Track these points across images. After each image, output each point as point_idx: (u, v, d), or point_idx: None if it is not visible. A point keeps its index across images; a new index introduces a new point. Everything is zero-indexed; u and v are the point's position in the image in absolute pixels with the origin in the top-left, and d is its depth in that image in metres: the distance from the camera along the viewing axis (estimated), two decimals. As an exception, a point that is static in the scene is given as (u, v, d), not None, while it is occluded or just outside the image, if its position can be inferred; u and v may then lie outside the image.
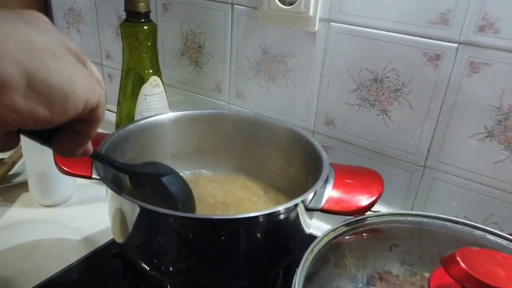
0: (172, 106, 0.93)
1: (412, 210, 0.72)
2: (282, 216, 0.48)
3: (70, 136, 0.32)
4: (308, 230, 0.56)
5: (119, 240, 0.53)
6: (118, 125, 0.85)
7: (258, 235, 0.49)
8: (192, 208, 0.55)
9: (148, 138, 0.66)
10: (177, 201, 0.52)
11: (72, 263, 0.63)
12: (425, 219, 0.55)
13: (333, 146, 0.77)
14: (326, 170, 0.55)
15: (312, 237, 0.48)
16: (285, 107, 0.80)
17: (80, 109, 0.28)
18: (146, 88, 0.80)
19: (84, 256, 0.64)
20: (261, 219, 0.47)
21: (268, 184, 0.71)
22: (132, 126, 0.63)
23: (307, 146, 0.64)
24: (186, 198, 0.55)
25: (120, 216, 0.49)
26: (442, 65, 0.62)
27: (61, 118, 0.27)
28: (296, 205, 0.49)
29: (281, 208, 0.47)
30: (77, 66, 0.29)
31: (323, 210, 0.52)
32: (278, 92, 0.80)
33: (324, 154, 0.59)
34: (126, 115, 0.83)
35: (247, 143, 0.72)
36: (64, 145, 0.32)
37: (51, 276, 0.60)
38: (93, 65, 0.32)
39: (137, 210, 0.45)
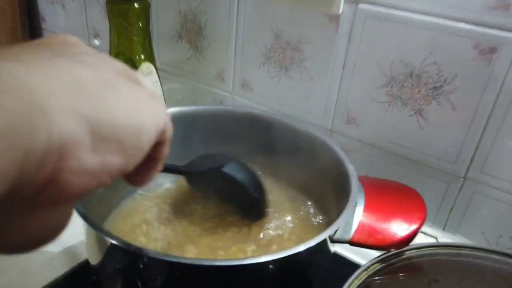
0: (167, 96, 0.81)
1: (445, 226, 0.62)
2: (303, 254, 0.38)
3: (143, 165, 0.27)
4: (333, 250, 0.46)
5: (93, 263, 0.44)
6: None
7: (272, 277, 0.39)
8: (263, 193, 0.52)
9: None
10: (247, 188, 0.49)
11: (51, 282, 0.53)
12: (472, 252, 0.45)
13: (354, 148, 0.66)
14: (355, 191, 0.44)
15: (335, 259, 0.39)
16: (299, 102, 0.69)
17: (153, 139, 0.25)
18: (137, 77, 0.69)
19: (63, 274, 0.55)
20: (276, 264, 0.37)
21: (284, 192, 0.61)
22: None
23: (328, 154, 0.53)
24: (255, 183, 0.51)
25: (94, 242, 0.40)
26: (497, 60, 0.50)
27: (138, 158, 0.24)
28: (321, 243, 0.39)
29: (302, 248, 0.37)
30: (134, 89, 0.24)
31: (352, 243, 0.42)
32: (291, 84, 0.69)
33: (351, 168, 0.48)
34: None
35: (255, 146, 0.61)
36: (139, 176, 0.29)
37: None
38: (143, 77, 0.27)
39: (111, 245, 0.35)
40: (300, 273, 0.42)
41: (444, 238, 0.62)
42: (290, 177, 0.60)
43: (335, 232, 0.41)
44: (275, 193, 0.59)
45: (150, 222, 0.52)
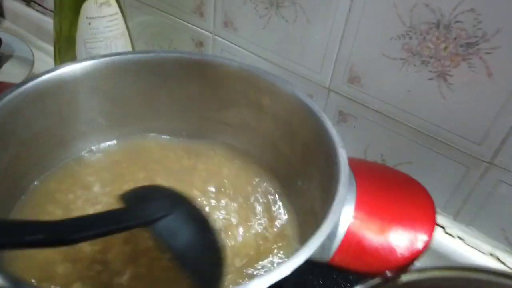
0: (138, 32, 0.67)
1: (457, 216, 0.51)
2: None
3: None
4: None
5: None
6: (56, 47, 0.60)
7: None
8: (214, 269, 0.30)
9: (69, 95, 0.43)
10: (182, 263, 0.29)
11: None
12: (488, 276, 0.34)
13: (355, 113, 0.53)
14: (343, 191, 0.33)
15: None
16: (292, 49, 0.55)
17: None
18: (89, 8, 0.54)
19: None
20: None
21: (256, 162, 0.49)
22: (42, 79, 0.40)
23: (317, 128, 0.41)
24: (200, 258, 0.30)
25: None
26: None
27: None
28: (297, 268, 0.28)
29: (275, 275, 0.26)
30: None
31: (332, 266, 0.31)
32: (282, 25, 0.54)
33: (342, 153, 0.36)
34: (66, 36, 0.58)
35: (228, 106, 0.49)
36: None
37: None
38: None
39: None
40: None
41: (454, 228, 0.51)
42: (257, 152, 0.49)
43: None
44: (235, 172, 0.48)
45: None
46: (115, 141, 0.49)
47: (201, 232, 0.31)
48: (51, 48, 0.70)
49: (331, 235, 0.31)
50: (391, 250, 0.31)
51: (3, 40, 0.80)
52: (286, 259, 0.28)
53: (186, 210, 0.31)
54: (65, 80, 0.42)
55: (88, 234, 0.25)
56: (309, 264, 0.29)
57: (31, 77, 0.39)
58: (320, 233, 0.29)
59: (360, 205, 0.34)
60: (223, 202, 0.44)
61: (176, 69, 0.47)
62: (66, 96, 0.43)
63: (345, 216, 0.33)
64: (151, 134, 0.50)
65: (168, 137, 0.51)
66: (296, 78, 0.56)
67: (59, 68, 0.41)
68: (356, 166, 0.38)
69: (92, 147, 0.47)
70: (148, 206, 0.30)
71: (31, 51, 0.79)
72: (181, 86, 0.48)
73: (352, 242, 0.31)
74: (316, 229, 0.29)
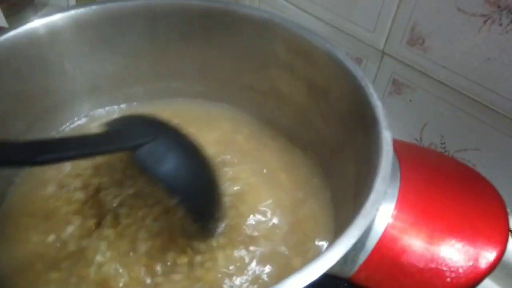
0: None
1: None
2: None
3: None
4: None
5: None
6: None
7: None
8: (210, 197, 0.30)
9: (67, 46, 0.37)
10: (171, 190, 0.28)
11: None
12: None
13: (413, 83, 0.43)
14: (379, 191, 0.24)
15: None
16: (343, 3, 0.45)
17: None
18: None
19: None
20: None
21: (282, 133, 0.42)
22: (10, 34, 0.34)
23: (358, 100, 0.32)
24: (194, 179, 0.29)
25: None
26: None
27: None
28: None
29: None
30: None
31: (355, 282, 0.24)
32: (332, -28, 0.45)
33: (386, 136, 0.28)
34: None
35: (255, 67, 0.41)
36: None
37: None
38: None
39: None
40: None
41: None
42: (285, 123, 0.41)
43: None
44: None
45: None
46: (123, 105, 0.43)
47: (190, 159, 0.29)
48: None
49: (358, 244, 0.24)
50: (439, 271, 0.23)
51: (40, -13, 0.76)
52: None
53: (172, 137, 0.29)
54: (62, 27, 0.36)
55: (60, 156, 0.23)
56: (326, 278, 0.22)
57: (23, 22, 0.34)
58: (343, 241, 0.21)
59: (403, 205, 0.25)
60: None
61: (194, 20, 0.39)
62: (63, 46, 0.37)
63: (380, 219, 0.25)
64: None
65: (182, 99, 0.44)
66: (345, 38, 0.47)
67: (55, 13, 0.35)
68: (404, 152, 0.29)
69: (90, 113, 0.42)
70: (129, 132, 0.28)
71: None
72: (199, 41, 0.41)
73: (385, 255, 0.23)
74: (339, 235, 0.22)
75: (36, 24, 0.34)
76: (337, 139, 0.36)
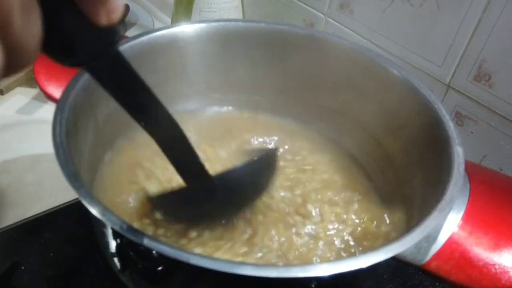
0: (248, 8, 0.67)
1: None
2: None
3: None
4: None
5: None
6: (174, 14, 0.62)
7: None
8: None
9: (178, 54, 0.43)
10: None
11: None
12: None
13: (476, 116, 0.47)
14: (455, 188, 0.28)
15: None
16: (412, 38, 0.50)
17: None
18: (209, -22, 0.55)
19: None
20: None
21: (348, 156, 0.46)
22: (156, 34, 0.41)
23: (430, 121, 0.36)
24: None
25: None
26: None
27: None
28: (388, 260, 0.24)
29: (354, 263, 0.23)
30: None
31: (425, 271, 0.27)
32: (406, 10, 0.49)
33: (459, 151, 0.31)
34: (184, 4, 0.60)
35: (329, 87, 0.45)
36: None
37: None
38: None
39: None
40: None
41: None
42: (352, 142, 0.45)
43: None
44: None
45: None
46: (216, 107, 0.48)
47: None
48: (169, 20, 0.73)
49: (431, 238, 0.27)
50: (505, 270, 0.26)
51: (130, 8, 0.86)
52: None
53: None
54: (177, 38, 0.43)
55: None
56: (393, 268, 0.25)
57: (145, 32, 0.41)
58: (419, 230, 0.25)
59: (472, 212, 0.29)
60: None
61: (283, 42, 0.45)
62: (175, 54, 0.43)
63: (451, 220, 0.28)
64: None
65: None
66: (412, 71, 0.51)
67: (172, 26, 0.42)
68: (472, 170, 0.32)
69: (191, 108, 0.48)
70: None
71: (153, 21, 0.84)
72: (285, 61, 0.46)
73: (455, 250, 0.27)
74: (414, 226, 0.25)
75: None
76: (404, 156, 0.39)
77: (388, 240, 0.35)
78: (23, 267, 0.39)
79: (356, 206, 0.39)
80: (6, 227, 0.43)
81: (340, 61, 0.43)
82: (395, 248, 0.23)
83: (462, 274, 0.26)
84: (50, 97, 0.37)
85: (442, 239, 0.27)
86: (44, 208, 0.45)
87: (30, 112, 0.59)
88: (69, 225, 0.44)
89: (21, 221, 0.44)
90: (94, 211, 0.24)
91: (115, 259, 0.31)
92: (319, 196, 0.39)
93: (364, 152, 0.45)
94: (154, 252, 0.25)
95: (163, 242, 0.23)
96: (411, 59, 0.51)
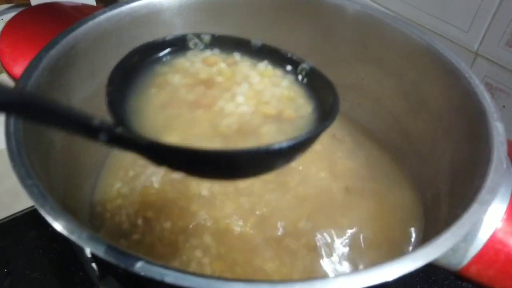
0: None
1: None
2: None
3: None
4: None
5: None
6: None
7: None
8: None
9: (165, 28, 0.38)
10: None
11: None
12: None
13: (508, 88, 0.41)
14: (495, 180, 0.22)
15: None
16: (434, 1, 0.44)
17: None
18: None
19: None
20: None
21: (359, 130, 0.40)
22: (122, 9, 0.35)
23: (460, 93, 0.30)
24: None
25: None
26: None
27: None
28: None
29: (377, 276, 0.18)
30: None
31: (462, 277, 0.22)
32: (426, -31, 0.43)
33: (499, 127, 0.26)
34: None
35: (340, 60, 0.40)
36: None
37: None
38: None
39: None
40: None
41: None
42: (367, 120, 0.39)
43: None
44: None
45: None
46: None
47: None
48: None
49: (469, 236, 0.22)
50: None
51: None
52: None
53: None
54: (162, 8, 0.37)
55: None
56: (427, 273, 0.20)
57: (124, 2, 0.35)
58: (453, 230, 0.20)
59: (518, 202, 0.23)
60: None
61: (283, 9, 0.39)
62: (159, 27, 0.38)
63: (493, 213, 0.23)
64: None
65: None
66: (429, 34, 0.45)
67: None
68: (513, 149, 0.27)
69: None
70: None
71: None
72: (287, 32, 0.41)
73: (500, 251, 0.21)
74: (446, 225, 0.20)
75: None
76: (428, 134, 0.34)
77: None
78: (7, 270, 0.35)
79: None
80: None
81: (351, 28, 0.38)
82: (428, 254, 0.18)
83: (510, 281, 0.21)
84: (15, 78, 0.33)
85: (483, 237, 0.22)
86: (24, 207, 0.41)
87: None
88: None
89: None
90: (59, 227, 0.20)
91: (93, 265, 0.27)
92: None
93: (380, 131, 0.39)
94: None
95: (141, 259, 0.19)
96: (432, 24, 0.45)
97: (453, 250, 0.21)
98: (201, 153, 0.19)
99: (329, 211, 0.33)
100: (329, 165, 0.38)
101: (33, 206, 0.40)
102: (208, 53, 0.27)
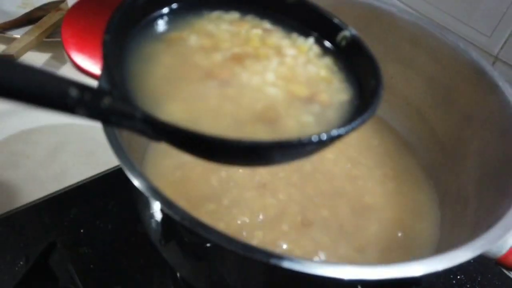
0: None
1: None
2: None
3: None
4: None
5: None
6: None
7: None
8: None
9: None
10: None
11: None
12: None
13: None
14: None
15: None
16: (460, 6, 0.46)
17: None
18: None
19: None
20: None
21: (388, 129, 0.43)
22: None
23: (489, 95, 0.33)
24: None
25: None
26: None
27: None
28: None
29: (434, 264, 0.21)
30: None
31: (502, 264, 0.25)
32: (454, -25, 0.46)
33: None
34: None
35: (383, 55, 0.42)
36: None
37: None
38: None
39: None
40: None
41: None
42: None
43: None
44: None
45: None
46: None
47: None
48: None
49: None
50: None
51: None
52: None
53: None
54: None
55: None
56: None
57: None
58: (503, 224, 0.23)
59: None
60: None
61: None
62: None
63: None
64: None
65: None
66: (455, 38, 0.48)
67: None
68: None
69: None
70: None
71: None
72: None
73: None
74: (495, 218, 0.23)
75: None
76: (456, 133, 0.37)
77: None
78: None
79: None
80: (32, 202, 0.41)
81: (386, 29, 0.40)
82: (482, 245, 0.21)
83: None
84: (81, 70, 0.34)
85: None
86: (68, 184, 0.43)
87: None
88: (95, 200, 0.42)
89: (46, 196, 0.42)
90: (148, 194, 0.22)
91: (158, 233, 0.29)
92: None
93: (407, 128, 0.42)
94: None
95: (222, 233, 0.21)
96: (458, 28, 0.47)
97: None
98: (202, 138, 0.16)
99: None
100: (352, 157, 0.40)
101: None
102: (235, 15, 0.23)
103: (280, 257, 0.20)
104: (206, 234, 0.20)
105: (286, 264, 0.19)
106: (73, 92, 0.15)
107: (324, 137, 0.17)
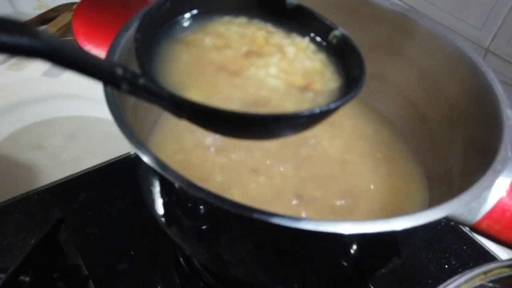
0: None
1: None
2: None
3: None
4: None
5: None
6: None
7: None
8: None
9: None
10: None
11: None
12: None
13: (515, 82, 0.46)
14: (505, 150, 0.27)
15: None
16: (453, 1, 0.48)
17: None
18: None
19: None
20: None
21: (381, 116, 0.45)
22: None
23: (475, 84, 0.35)
24: None
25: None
26: None
27: None
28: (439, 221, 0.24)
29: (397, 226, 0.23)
30: None
31: (476, 230, 0.27)
32: (446, -29, 0.47)
33: (508, 113, 0.30)
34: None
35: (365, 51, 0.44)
36: None
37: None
38: None
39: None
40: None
41: None
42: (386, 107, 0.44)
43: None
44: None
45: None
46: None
47: None
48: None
49: (481, 199, 0.27)
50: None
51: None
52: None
53: None
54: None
55: None
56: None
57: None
58: (469, 192, 0.25)
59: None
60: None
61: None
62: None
63: (501, 183, 0.28)
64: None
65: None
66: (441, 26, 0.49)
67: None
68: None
69: None
70: None
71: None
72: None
73: (506, 210, 0.27)
74: (463, 188, 0.25)
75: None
76: (444, 120, 0.39)
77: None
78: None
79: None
80: (44, 186, 0.44)
81: (379, 22, 0.42)
82: (450, 207, 0.23)
83: (513, 233, 0.26)
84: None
85: (491, 201, 0.27)
86: (78, 170, 0.46)
87: (56, 74, 0.59)
88: (102, 186, 0.45)
89: (57, 181, 0.45)
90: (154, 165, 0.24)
91: (161, 215, 0.31)
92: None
93: (399, 116, 0.44)
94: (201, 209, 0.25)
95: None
96: (447, 21, 0.49)
97: (469, 208, 0.26)
98: (221, 112, 0.20)
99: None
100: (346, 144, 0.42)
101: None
102: (243, 19, 0.28)
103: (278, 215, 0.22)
104: (214, 201, 0.22)
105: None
106: (119, 71, 0.19)
107: (317, 110, 0.21)
